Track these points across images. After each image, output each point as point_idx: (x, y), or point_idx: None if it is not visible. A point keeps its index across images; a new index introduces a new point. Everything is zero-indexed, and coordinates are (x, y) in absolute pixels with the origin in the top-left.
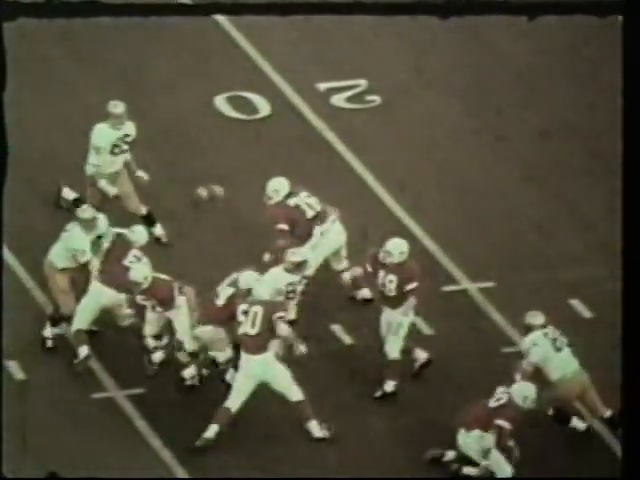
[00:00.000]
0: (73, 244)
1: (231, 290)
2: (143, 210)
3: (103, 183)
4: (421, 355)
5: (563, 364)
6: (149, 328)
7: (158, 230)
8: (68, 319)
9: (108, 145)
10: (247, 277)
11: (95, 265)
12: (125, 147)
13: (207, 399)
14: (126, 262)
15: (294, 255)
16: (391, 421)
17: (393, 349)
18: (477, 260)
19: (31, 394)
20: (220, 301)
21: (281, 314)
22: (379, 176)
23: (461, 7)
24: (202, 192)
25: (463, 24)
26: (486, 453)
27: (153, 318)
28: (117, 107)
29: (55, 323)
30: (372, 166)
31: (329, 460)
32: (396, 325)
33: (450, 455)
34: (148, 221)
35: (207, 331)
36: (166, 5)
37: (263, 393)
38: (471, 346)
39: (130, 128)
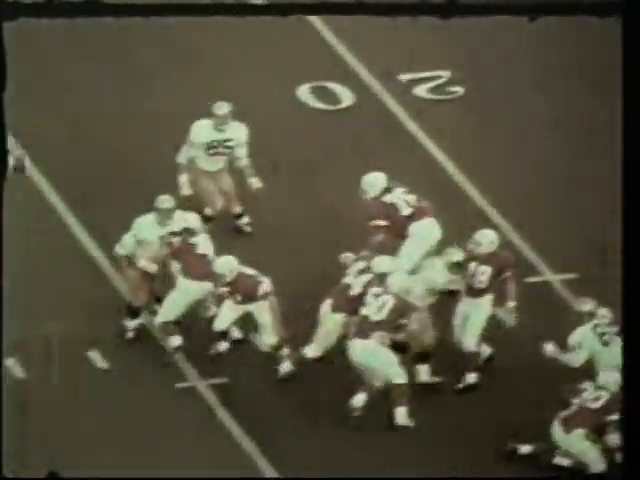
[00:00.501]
0: (140, 234)
1: (367, 277)
2: (238, 209)
3: (183, 179)
4: (486, 350)
5: (610, 358)
6: (221, 321)
7: (243, 220)
8: (151, 311)
9: (203, 143)
10: (384, 262)
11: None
12: (224, 150)
13: (290, 389)
14: (201, 250)
15: (454, 255)
16: (471, 413)
17: (470, 341)
18: (560, 251)
19: (113, 384)
20: (355, 290)
21: (406, 321)
22: (461, 167)
23: (462, 7)
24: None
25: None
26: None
27: (231, 311)
28: (221, 108)
29: (134, 314)
30: (454, 157)
31: (407, 451)
32: (475, 316)
33: (525, 449)
34: (237, 217)
35: (337, 319)
36: (167, 5)
37: (344, 381)
38: (553, 338)
39: (235, 132)
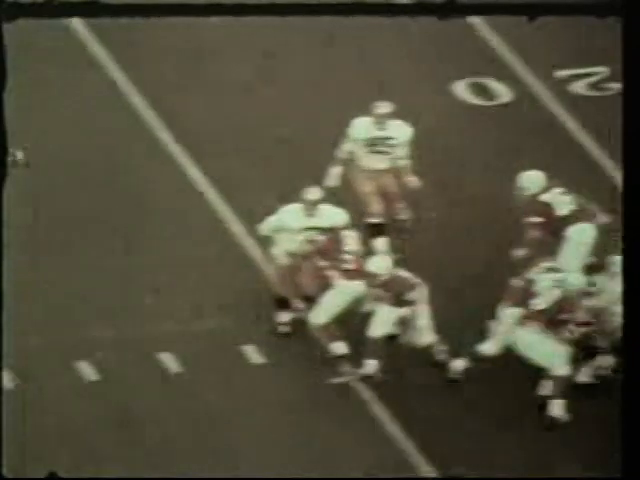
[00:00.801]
0: (284, 219)
1: (553, 276)
2: (398, 209)
3: (335, 171)
4: None
5: None
6: (377, 328)
7: (403, 214)
8: (297, 306)
9: (363, 139)
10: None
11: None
12: (385, 149)
13: (452, 387)
14: (350, 248)
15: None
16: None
17: None
18: None
19: (267, 379)
20: (538, 286)
21: (568, 316)
22: (618, 165)
23: (462, 7)
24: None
25: None
26: None
27: (386, 316)
28: (380, 108)
29: (283, 306)
30: (613, 154)
31: (560, 444)
32: None
33: None
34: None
35: (515, 314)
36: (168, 5)
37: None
38: None
39: (397, 131)
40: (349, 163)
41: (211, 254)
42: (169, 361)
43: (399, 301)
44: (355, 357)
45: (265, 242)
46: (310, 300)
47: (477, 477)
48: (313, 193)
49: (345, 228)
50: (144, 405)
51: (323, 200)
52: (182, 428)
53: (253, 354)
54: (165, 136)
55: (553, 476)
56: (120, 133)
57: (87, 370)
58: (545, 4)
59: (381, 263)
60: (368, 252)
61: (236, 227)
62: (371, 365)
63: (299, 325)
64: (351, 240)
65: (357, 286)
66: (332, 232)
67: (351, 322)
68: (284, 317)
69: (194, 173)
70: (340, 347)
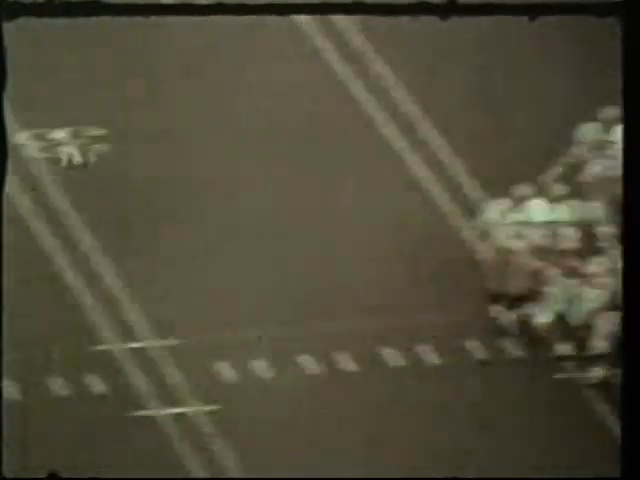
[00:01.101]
0: (489, 214)
1: None
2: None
3: (555, 170)
4: None
5: None
6: (601, 337)
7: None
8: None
9: (587, 141)
10: None
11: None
12: (613, 154)
13: None
14: (567, 244)
15: None
16: None
17: None
18: None
19: (488, 375)
20: None
21: None
22: None
23: (462, 7)
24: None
25: None
26: None
27: (609, 321)
28: (607, 112)
29: (497, 300)
30: None
31: None
32: None
33: None
34: None
35: None
36: (167, 5)
37: None
38: None
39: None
40: (576, 166)
41: (428, 248)
42: (390, 356)
43: (617, 305)
44: (579, 357)
45: (482, 236)
46: (518, 298)
47: (480, 477)
48: (522, 189)
49: (564, 225)
50: (371, 400)
51: (536, 196)
52: (406, 423)
53: (477, 350)
54: (389, 130)
55: (553, 476)
56: (342, 125)
57: (309, 364)
58: (545, 4)
59: (601, 265)
60: (587, 252)
61: (457, 220)
62: (598, 372)
63: (521, 322)
64: (570, 238)
65: (577, 285)
66: (547, 228)
67: (573, 322)
68: (499, 312)
69: (419, 169)
70: (565, 348)
